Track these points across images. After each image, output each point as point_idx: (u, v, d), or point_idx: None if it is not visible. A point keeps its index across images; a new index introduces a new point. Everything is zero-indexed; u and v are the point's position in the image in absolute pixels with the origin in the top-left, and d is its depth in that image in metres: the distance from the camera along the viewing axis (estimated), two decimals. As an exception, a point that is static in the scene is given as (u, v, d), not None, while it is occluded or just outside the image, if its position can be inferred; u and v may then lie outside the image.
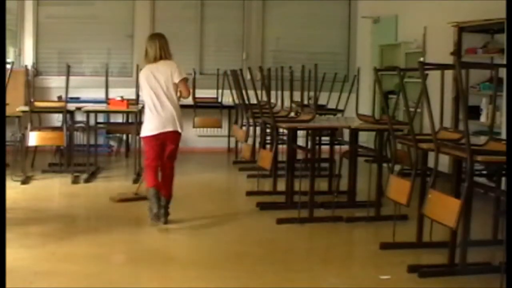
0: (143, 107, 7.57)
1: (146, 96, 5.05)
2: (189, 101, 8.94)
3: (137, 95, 7.19)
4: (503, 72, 4.96)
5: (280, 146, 6.09)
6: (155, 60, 5.01)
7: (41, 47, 9.25)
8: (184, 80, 5.06)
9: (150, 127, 5.05)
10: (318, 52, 9.71)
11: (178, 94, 5.10)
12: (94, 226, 5.25)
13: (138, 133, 7.19)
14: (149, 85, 5.01)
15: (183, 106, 9.12)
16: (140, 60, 8.88)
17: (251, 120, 6.79)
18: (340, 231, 5.17)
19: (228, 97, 8.60)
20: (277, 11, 9.92)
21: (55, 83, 8.85)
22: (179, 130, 5.06)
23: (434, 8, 7.60)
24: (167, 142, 5.06)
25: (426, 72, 4.24)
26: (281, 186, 6.10)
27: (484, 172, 4.83)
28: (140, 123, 7.44)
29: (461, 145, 3.86)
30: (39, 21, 9.24)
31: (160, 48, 5.00)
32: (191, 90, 5.71)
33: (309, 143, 5.94)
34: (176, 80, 5.00)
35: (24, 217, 5.29)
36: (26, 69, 8.95)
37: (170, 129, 5.01)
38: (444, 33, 6.98)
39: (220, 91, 8.90)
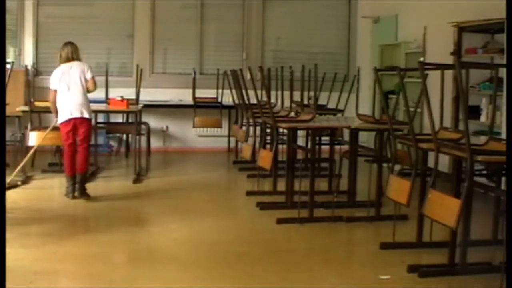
0: (143, 107, 7.66)
1: (61, 88, 5.93)
2: (189, 101, 9.02)
3: (137, 95, 7.18)
4: (503, 72, 4.96)
5: (280, 146, 6.09)
6: (68, 60, 6.00)
7: (41, 47, 9.23)
8: (93, 77, 6.06)
9: (64, 114, 5.93)
10: (318, 52, 9.72)
11: (87, 87, 6.03)
12: (94, 226, 5.25)
13: (138, 133, 7.25)
14: (64, 79, 5.93)
15: (183, 106, 9.28)
16: (141, 60, 9.08)
17: (251, 120, 6.78)
18: (340, 231, 5.17)
19: (228, 97, 8.60)
20: (277, 11, 9.92)
21: (55, 83, 8.84)
22: (87, 116, 6.00)
23: (434, 8, 7.60)
24: (78, 126, 5.96)
25: (426, 72, 4.24)
26: (281, 186, 6.10)
27: (484, 172, 4.83)
28: (140, 123, 7.48)
29: (461, 145, 3.86)
30: (39, 21, 9.23)
31: (72, 52, 6.04)
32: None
33: (309, 143, 5.94)
34: (88, 77, 6.01)
35: (24, 217, 5.29)
36: (26, 69, 8.95)
37: (78, 115, 5.92)
38: (444, 33, 6.98)
39: (220, 91, 8.90)
